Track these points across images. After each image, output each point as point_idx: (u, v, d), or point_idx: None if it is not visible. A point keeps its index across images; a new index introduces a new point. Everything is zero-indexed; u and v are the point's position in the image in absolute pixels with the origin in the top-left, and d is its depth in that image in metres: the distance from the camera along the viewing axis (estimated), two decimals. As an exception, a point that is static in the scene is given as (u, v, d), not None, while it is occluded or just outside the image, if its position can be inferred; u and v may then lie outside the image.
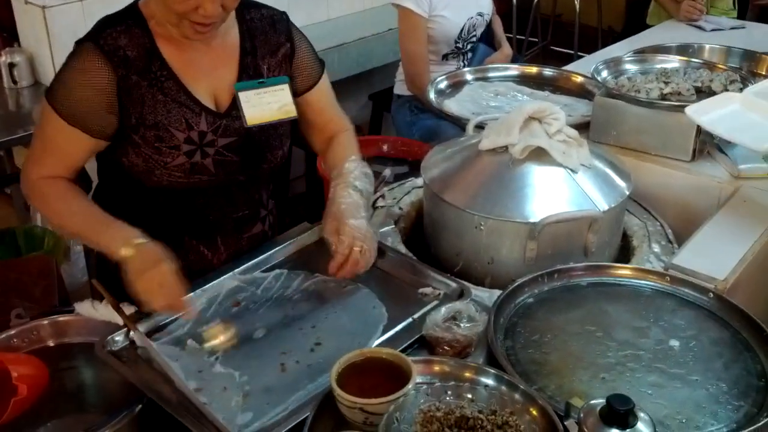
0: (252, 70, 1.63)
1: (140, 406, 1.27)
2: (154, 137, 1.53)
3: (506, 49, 3.21)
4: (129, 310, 1.45)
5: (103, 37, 1.50)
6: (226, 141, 1.59)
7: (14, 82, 2.98)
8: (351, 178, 1.60)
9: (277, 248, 1.66)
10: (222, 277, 1.56)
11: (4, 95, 2.98)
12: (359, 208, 1.54)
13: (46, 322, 1.50)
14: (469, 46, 3.04)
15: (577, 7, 5.47)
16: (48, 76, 2.94)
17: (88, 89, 1.49)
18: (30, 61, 3.00)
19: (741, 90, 2.00)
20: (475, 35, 3.03)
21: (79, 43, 1.52)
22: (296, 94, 1.67)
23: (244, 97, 1.58)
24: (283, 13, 1.71)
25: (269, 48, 1.65)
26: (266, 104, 1.59)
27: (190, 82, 1.56)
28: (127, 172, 1.58)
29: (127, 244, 1.39)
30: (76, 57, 1.51)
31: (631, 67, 2.16)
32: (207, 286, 1.53)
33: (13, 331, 1.47)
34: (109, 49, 1.49)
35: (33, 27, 2.95)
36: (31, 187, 1.57)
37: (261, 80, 1.61)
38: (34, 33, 2.97)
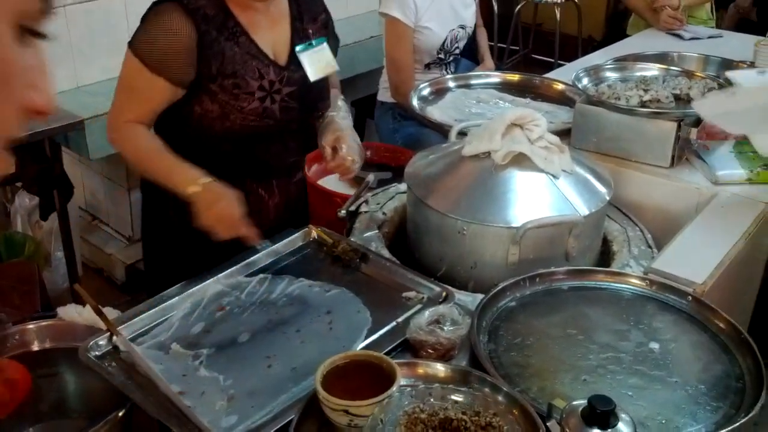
0: (301, 32, 1.87)
1: (123, 410, 1.27)
2: (232, 85, 1.73)
3: (488, 63, 3.24)
4: (112, 314, 1.45)
5: None
6: (289, 90, 1.82)
7: None
8: (343, 111, 1.93)
9: (261, 253, 1.66)
10: (206, 281, 1.56)
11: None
12: (353, 132, 1.89)
13: (28, 326, 1.50)
14: (451, 58, 3.06)
15: (558, 16, 5.52)
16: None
17: (173, 42, 1.68)
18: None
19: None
20: (457, 47, 3.06)
21: (158, 3, 1.70)
22: None
23: (304, 57, 1.84)
24: None
25: (311, 15, 1.91)
26: (317, 62, 1.87)
27: (257, 38, 1.78)
28: (196, 120, 1.76)
29: (195, 182, 1.61)
30: (161, 13, 1.68)
31: (611, 75, 2.19)
32: (191, 290, 1.53)
33: (-6, 336, 1.46)
34: (192, 7, 1.69)
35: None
36: (117, 131, 1.76)
37: (309, 42, 1.87)
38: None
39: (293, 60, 1.84)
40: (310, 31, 1.89)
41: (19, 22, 0.57)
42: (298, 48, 1.84)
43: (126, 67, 1.73)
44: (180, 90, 1.72)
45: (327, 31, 1.95)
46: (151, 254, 2.04)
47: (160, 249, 2.00)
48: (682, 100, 2.06)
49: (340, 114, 1.93)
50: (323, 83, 1.92)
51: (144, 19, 1.71)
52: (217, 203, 1.59)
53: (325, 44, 1.89)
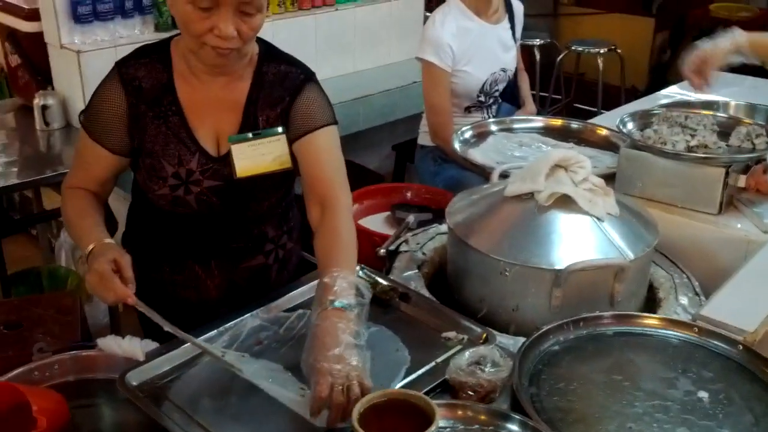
0: (252, 120, 1.66)
1: (160, 443, 1.26)
2: (149, 165, 1.65)
3: (530, 107, 3.23)
4: (149, 347, 1.45)
5: (126, 65, 1.65)
6: (211, 184, 1.65)
7: (46, 123, 3.03)
8: (330, 297, 1.36)
9: (300, 288, 1.65)
10: (245, 316, 1.56)
11: (35, 136, 3.03)
12: (336, 334, 1.29)
13: (67, 356, 1.50)
14: (491, 100, 3.07)
15: (600, 66, 5.52)
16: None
17: (106, 110, 1.65)
18: (62, 104, 3.06)
19: (767, 144, 2.00)
20: (497, 90, 3.06)
21: (111, 69, 1.68)
22: (291, 142, 1.67)
23: (237, 149, 1.62)
24: (305, 72, 1.71)
25: (270, 101, 1.67)
26: (260, 155, 1.62)
27: (195, 122, 1.65)
28: (140, 189, 1.74)
29: (94, 240, 1.55)
30: (104, 83, 1.67)
31: (656, 120, 2.16)
32: (229, 324, 1.53)
33: (34, 365, 1.47)
34: (126, 77, 1.64)
35: (67, 70, 3.02)
36: (62, 195, 1.73)
37: (257, 132, 1.64)
38: (67, 76, 3.04)
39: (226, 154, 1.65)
40: (262, 118, 1.66)
41: None
42: (231, 138, 1.63)
43: (79, 134, 1.73)
44: (122, 158, 1.68)
45: (286, 118, 1.67)
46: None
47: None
48: (729, 146, 2.02)
49: (325, 305, 1.36)
50: (272, 180, 1.69)
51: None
52: (95, 261, 1.49)
53: (279, 135, 1.64)
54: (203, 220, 1.71)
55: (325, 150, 1.67)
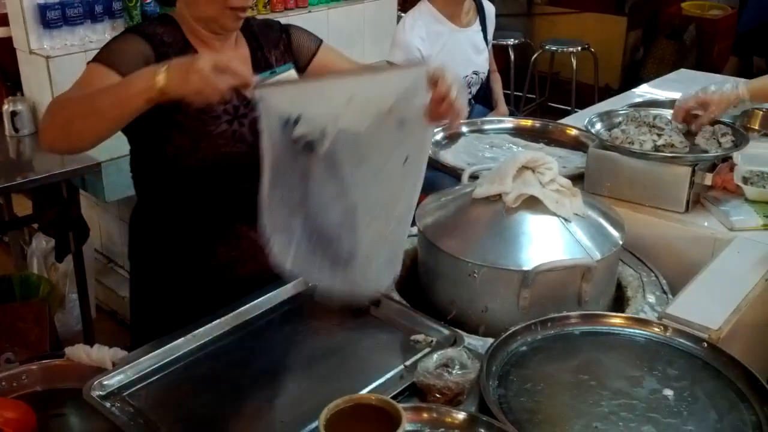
0: (263, 63, 1.80)
1: (127, 452, 1.25)
2: (197, 109, 1.58)
3: (502, 109, 3.25)
4: (119, 354, 1.44)
5: (141, 26, 1.71)
6: (254, 115, 1.66)
7: (15, 130, 3.00)
8: None
9: (266, 296, 1.65)
10: (213, 323, 1.55)
11: (5, 143, 3.00)
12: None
13: (35, 366, 1.49)
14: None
15: (574, 64, 5.56)
16: (49, 124, 2.98)
17: (129, 51, 1.62)
18: (32, 110, 3.03)
19: (733, 143, 2.02)
20: (470, 92, 3.07)
21: (124, 32, 1.71)
22: (304, 69, 1.85)
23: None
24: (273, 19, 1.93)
25: (272, 42, 1.85)
26: None
27: None
28: (171, 163, 1.69)
29: (156, 71, 1.38)
30: (118, 38, 1.67)
31: (624, 120, 2.18)
32: (198, 330, 1.52)
33: (1, 375, 1.45)
34: (149, 33, 1.66)
35: (37, 76, 2.99)
36: (53, 105, 1.55)
37: (272, 70, 1.72)
38: (37, 82, 3.01)
39: None
40: (273, 58, 1.83)
41: None
42: (259, 75, 1.69)
43: (78, 78, 1.62)
44: None
45: (291, 53, 1.87)
46: (136, 297, 1.97)
47: (145, 292, 1.92)
48: (696, 145, 2.04)
49: None
50: None
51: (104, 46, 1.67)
52: (191, 64, 1.36)
53: (291, 70, 1.73)
54: (244, 171, 1.66)
55: (335, 51, 1.93)
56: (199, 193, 1.74)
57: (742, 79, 2.04)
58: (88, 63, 1.64)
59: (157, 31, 1.68)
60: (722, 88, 2.01)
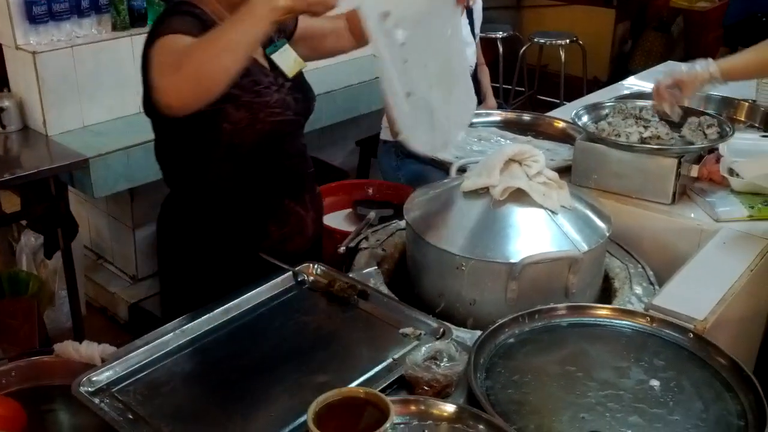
0: (267, 40, 1.81)
1: (116, 448, 1.25)
2: (250, 82, 1.69)
3: (490, 102, 3.26)
4: (109, 351, 1.44)
5: (173, 6, 1.70)
6: (288, 83, 1.80)
7: (2, 126, 2.99)
8: None
9: (255, 290, 1.65)
10: (201, 318, 1.55)
11: (-8, 139, 2.99)
12: None
13: (24, 363, 1.49)
14: (453, 95, 3.08)
15: (563, 57, 5.57)
16: (37, 120, 2.96)
17: (185, 20, 1.64)
18: (19, 106, 3.01)
19: (719, 134, 2.03)
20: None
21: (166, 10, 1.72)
22: (291, 37, 1.90)
23: (275, 58, 1.80)
24: None
25: None
26: (287, 60, 1.83)
27: None
28: (227, 140, 1.72)
29: None
30: (164, 17, 1.67)
31: (610, 112, 2.19)
32: (187, 326, 1.52)
33: (-11, 372, 1.45)
34: (184, 10, 1.68)
35: (23, 72, 2.98)
36: (161, 72, 1.53)
37: (274, 44, 1.81)
38: (24, 78, 2.99)
39: (271, 63, 1.81)
40: (272, 34, 1.83)
41: None
42: (267, 51, 1.80)
43: (157, 51, 1.58)
44: None
45: (285, 33, 1.90)
46: (168, 294, 2.00)
47: (177, 288, 1.95)
48: (682, 137, 2.05)
49: None
50: (306, 83, 1.93)
51: (153, 28, 1.67)
52: None
53: (286, 45, 1.84)
54: (291, 141, 1.84)
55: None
56: (250, 170, 1.79)
57: (712, 59, 2.06)
58: (157, 39, 1.59)
59: (196, 12, 1.69)
60: (694, 67, 2.03)
